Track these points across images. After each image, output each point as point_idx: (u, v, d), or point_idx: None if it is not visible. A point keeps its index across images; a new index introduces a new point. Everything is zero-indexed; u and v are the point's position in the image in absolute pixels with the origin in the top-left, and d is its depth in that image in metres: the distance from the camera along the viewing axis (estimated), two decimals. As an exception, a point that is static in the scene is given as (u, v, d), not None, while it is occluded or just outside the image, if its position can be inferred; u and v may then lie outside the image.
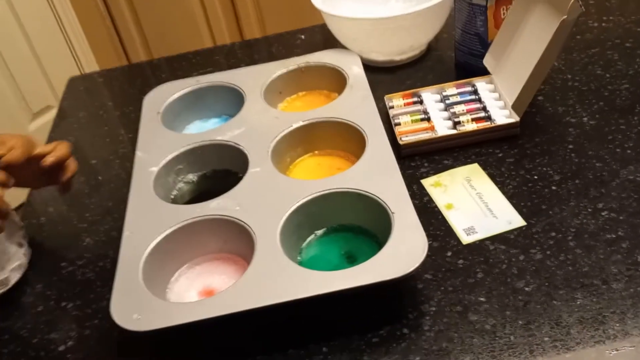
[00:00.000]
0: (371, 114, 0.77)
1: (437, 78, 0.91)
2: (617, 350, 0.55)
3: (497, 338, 0.57)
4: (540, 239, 0.65)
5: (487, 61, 0.86)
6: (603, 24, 0.96)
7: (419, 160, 0.77)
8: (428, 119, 0.81)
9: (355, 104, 0.79)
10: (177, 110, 0.87)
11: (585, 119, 0.79)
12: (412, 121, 0.81)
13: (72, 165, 0.71)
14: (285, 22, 1.57)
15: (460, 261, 0.65)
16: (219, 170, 0.78)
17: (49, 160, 0.68)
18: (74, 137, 0.95)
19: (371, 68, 0.91)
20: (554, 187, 0.71)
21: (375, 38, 0.91)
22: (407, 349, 0.58)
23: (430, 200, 0.72)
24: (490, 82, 0.85)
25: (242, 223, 0.65)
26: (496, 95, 0.83)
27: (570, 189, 0.70)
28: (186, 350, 0.62)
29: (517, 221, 0.68)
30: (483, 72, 0.86)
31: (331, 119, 0.77)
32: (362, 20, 0.89)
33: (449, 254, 0.66)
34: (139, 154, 0.78)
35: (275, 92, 0.87)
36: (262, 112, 0.81)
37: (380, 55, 0.94)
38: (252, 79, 0.87)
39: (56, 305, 0.68)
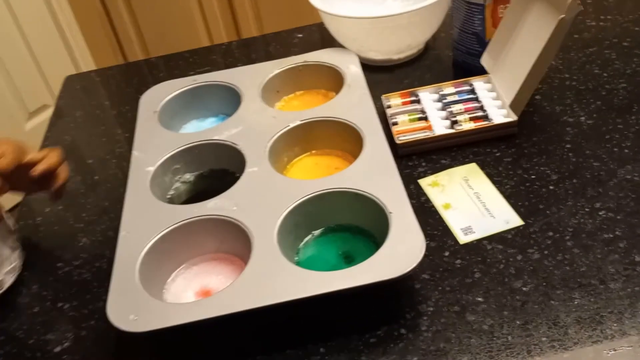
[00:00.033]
0: (369, 114, 0.76)
1: (434, 77, 0.91)
2: (615, 350, 0.55)
3: (494, 338, 0.57)
4: (538, 239, 0.65)
5: (485, 60, 0.86)
6: (601, 23, 0.96)
7: (417, 159, 0.77)
8: (425, 118, 0.81)
9: (353, 103, 0.79)
10: (174, 109, 0.86)
11: (582, 118, 0.79)
12: (410, 120, 0.81)
13: (63, 173, 0.71)
14: (283, 21, 1.57)
15: (458, 261, 0.64)
16: (216, 170, 0.78)
17: (39, 169, 0.67)
18: (71, 136, 0.95)
19: (369, 67, 0.91)
20: (551, 187, 0.71)
21: (373, 37, 0.91)
22: (405, 349, 0.57)
23: (428, 200, 0.72)
24: (488, 82, 0.85)
25: (239, 223, 0.65)
26: (494, 94, 0.83)
27: (567, 189, 0.70)
28: (183, 351, 0.61)
29: (515, 221, 0.68)
30: (481, 71, 0.86)
31: (329, 119, 0.77)
32: (360, 19, 0.89)
33: (447, 253, 0.65)
34: (135, 153, 0.78)
35: (273, 91, 0.87)
36: (260, 112, 0.81)
37: (378, 54, 0.94)
38: (249, 78, 0.87)
39: (52, 306, 0.68)
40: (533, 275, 0.62)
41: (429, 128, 0.79)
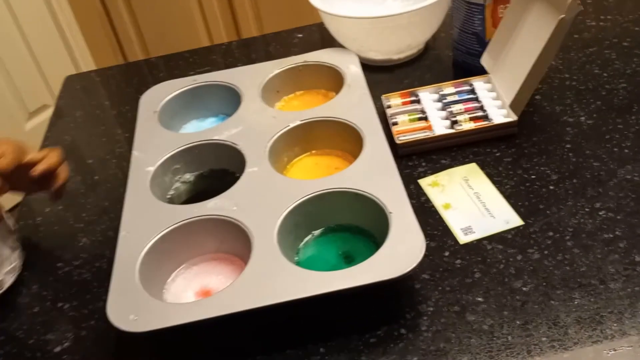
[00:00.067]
0: (369, 114, 0.76)
1: (434, 77, 0.91)
2: (615, 350, 0.55)
3: (494, 338, 0.57)
4: (538, 239, 0.65)
5: (485, 60, 0.86)
6: (601, 23, 0.96)
7: (417, 159, 0.77)
8: (425, 118, 0.81)
9: (353, 103, 0.79)
10: (174, 109, 0.86)
11: (582, 118, 0.79)
12: (410, 120, 0.81)
13: (63, 173, 0.71)
14: (283, 21, 1.57)
15: (458, 261, 0.64)
16: (216, 170, 0.78)
17: (38, 169, 0.67)
18: (71, 136, 0.95)
19: (369, 67, 0.91)
20: (551, 187, 0.71)
21: (373, 37, 0.91)
22: (405, 349, 0.57)
23: (428, 200, 0.72)
24: (488, 82, 0.85)
25: (239, 223, 0.65)
26: (494, 94, 0.83)
27: (567, 189, 0.70)
28: (183, 351, 0.61)
29: (515, 221, 0.68)
30: (481, 71, 0.86)
31: (329, 119, 0.77)
32: (360, 19, 0.89)
33: (447, 253, 0.65)
34: (135, 153, 0.78)
35: (273, 91, 0.87)
36: (260, 112, 0.81)
37: (378, 54, 0.94)
38: (249, 78, 0.87)
39: (52, 306, 0.68)
40: (533, 275, 0.62)
41: (429, 128, 0.79)
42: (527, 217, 0.68)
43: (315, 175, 0.74)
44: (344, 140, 0.76)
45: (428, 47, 0.98)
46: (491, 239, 0.66)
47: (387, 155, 0.70)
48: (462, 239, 0.67)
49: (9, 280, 0.69)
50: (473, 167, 0.75)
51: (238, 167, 0.73)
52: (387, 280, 0.57)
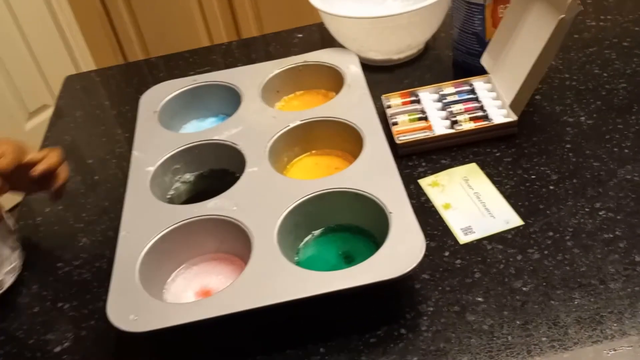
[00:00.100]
0: (369, 114, 0.76)
1: (434, 77, 0.91)
2: (615, 350, 0.55)
3: (494, 338, 0.57)
4: (538, 239, 0.65)
5: (485, 60, 0.86)
6: (601, 23, 0.96)
7: (417, 159, 0.77)
8: (425, 118, 0.81)
9: (353, 103, 0.79)
10: (174, 109, 0.86)
11: (582, 118, 0.79)
12: (410, 120, 0.81)
13: (63, 173, 0.71)
14: (283, 21, 1.57)
15: (458, 261, 0.64)
16: (216, 170, 0.78)
17: (39, 169, 0.67)
18: (71, 136, 0.95)
19: (369, 67, 0.91)
20: (551, 187, 0.71)
21: (373, 37, 0.91)
22: (405, 349, 0.57)
23: (428, 200, 0.72)
24: (488, 82, 0.85)
25: (239, 223, 0.65)
26: (494, 94, 0.83)
27: (567, 189, 0.70)
28: (183, 351, 0.61)
29: (515, 221, 0.68)
30: (481, 71, 0.86)
31: (329, 119, 0.77)
32: (360, 19, 0.89)
33: (447, 253, 0.65)
34: (135, 153, 0.78)
35: (273, 91, 0.87)
36: (260, 112, 0.81)
37: (378, 54, 0.94)
38: (249, 78, 0.87)
39: (52, 306, 0.68)
40: (533, 275, 0.62)
41: (429, 128, 0.79)
42: (527, 217, 0.68)
43: (315, 175, 0.74)
44: (344, 140, 0.76)
45: (428, 47, 0.98)
46: (491, 239, 0.66)
47: (387, 155, 0.70)
48: (462, 239, 0.67)
49: (9, 280, 0.69)
50: (473, 167, 0.75)
51: (238, 167, 0.73)
52: (387, 280, 0.57)
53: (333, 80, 0.85)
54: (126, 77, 1.08)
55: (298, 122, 0.77)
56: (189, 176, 0.78)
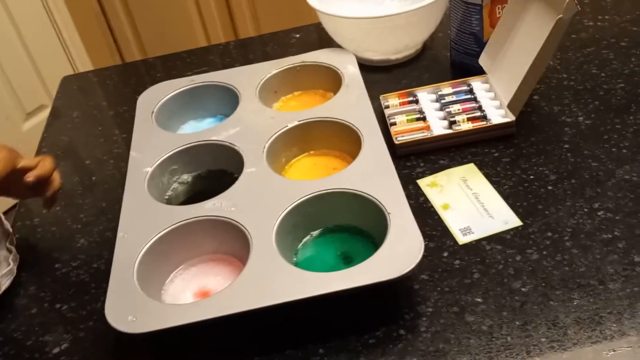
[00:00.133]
0: (367, 114, 0.76)
1: (432, 77, 0.91)
2: (614, 350, 0.55)
3: (493, 339, 0.57)
4: (537, 239, 0.65)
5: (483, 60, 0.86)
6: (598, 23, 0.96)
7: (415, 160, 0.77)
8: (424, 119, 0.81)
9: (351, 104, 0.79)
10: (172, 109, 0.86)
11: (580, 118, 0.79)
12: (408, 121, 0.81)
13: (56, 180, 0.71)
14: (280, 21, 1.57)
15: (457, 262, 0.64)
16: (214, 171, 0.78)
17: (33, 175, 0.67)
18: (68, 136, 0.94)
19: (367, 67, 0.91)
20: (550, 187, 0.71)
21: (370, 37, 0.91)
22: (404, 350, 0.57)
23: (426, 201, 0.72)
24: (486, 82, 0.85)
25: (238, 224, 0.65)
26: (492, 94, 0.83)
27: (566, 189, 0.70)
28: (182, 352, 0.61)
29: (514, 221, 0.68)
30: (479, 71, 0.86)
31: (327, 119, 0.77)
32: (357, 19, 0.89)
33: (445, 254, 0.65)
34: (133, 154, 0.78)
35: (271, 91, 0.87)
36: (257, 112, 0.81)
37: (375, 54, 0.94)
38: (247, 79, 0.86)
39: (50, 307, 0.68)
40: (532, 276, 0.62)
41: (427, 128, 0.79)
42: (526, 218, 0.68)
43: (314, 176, 0.74)
44: (342, 140, 0.76)
45: (426, 47, 0.98)
46: (490, 239, 0.66)
47: (385, 156, 0.70)
48: (461, 239, 0.67)
49: (6, 282, 0.69)
50: (471, 167, 0.75)
51: (236, 168, 0.73)
52: (385, 281, 0.57)
53: (331, 80, 0.85)
54: (123, 77, 1.08)
55: (296, 123, 0.77)
56: (186, 177, 0.78)
